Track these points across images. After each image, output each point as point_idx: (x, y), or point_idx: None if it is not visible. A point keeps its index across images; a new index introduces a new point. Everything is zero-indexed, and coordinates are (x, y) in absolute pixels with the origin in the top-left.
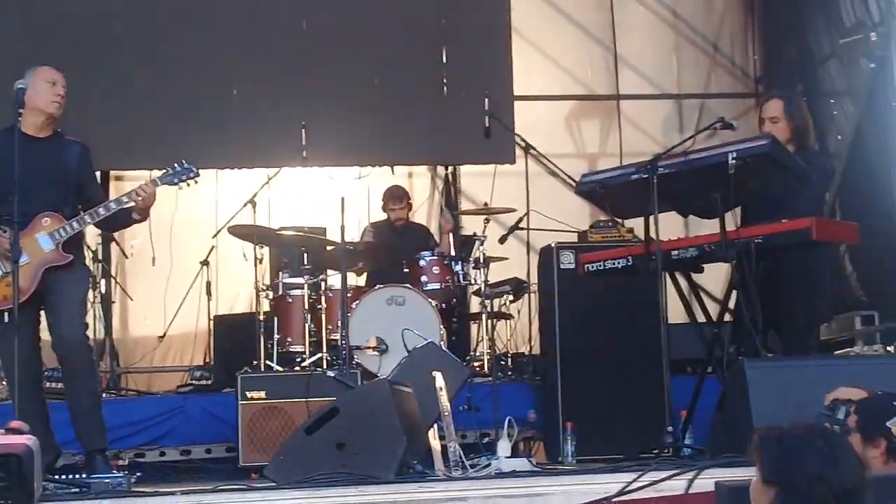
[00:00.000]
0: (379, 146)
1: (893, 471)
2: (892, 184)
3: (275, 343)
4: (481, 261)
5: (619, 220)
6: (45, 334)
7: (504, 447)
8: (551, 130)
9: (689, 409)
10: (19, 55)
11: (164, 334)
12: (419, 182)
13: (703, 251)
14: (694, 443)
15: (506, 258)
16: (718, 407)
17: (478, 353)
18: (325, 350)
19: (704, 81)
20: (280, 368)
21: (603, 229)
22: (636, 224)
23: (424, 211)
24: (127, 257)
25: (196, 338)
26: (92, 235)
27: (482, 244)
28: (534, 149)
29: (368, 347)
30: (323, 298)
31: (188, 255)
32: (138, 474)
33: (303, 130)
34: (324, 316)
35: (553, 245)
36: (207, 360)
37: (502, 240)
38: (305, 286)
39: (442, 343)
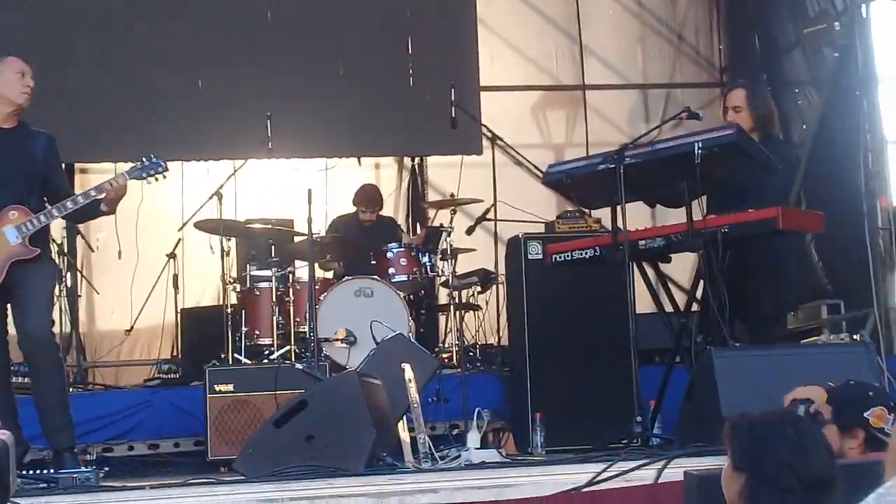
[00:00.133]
0: (345, 137)
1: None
2: (856, 172)
3: (243, 336)
4: (449, 252)
5: (587, 211)
6: (12, 329)
7: (473, 438)
8: (518, 121)
9: (658, 398)
10: None
11: (131, 328)
12: (386, 173)
13: (670, 241)
14: (663, 432)
15: (473, 249)
16: (686, 396)
17: (446, 345)
18: (293, 342)
19: (670, 71)
20: (248, 361)
21: (570, 220)
22: (603, 214)
23: (391, 202)
24: (93, 251)
25: (163, 331)
26: (57, 229)
27: (449, 235)
28: (500, 139)
29: (337, 340)
30: (291, 291)
31: (155, 248)
32: (106, 469)
33: (268, 122)
34: (292, 308)
35: (520, 236)
36: (175, 354)
37: (469, 231)
38: (273, 278)
39: (410, 335)
